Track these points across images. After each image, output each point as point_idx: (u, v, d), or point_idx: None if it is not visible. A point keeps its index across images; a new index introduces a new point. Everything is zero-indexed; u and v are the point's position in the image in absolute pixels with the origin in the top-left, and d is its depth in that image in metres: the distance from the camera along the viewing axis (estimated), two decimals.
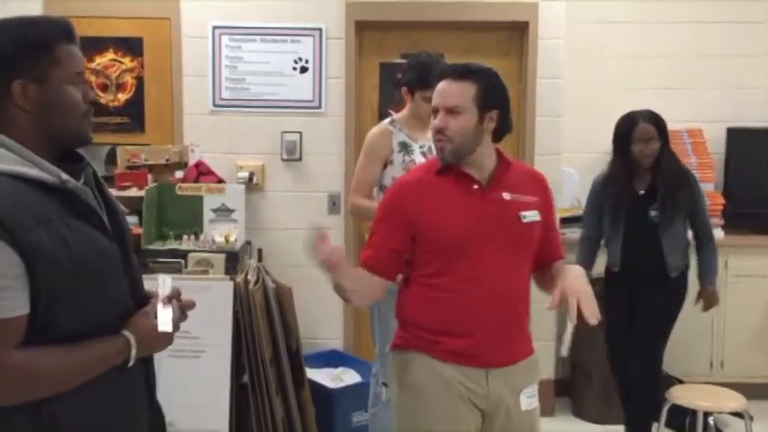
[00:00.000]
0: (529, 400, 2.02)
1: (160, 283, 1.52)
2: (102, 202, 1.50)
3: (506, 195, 1.99)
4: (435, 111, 2.01)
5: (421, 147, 3.11)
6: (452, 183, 2.00)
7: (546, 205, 2.07)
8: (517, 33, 4.10)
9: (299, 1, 4.00)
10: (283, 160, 4.03)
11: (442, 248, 1.98)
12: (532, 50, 4.00)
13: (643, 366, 3.36)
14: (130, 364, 1.43)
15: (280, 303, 3.19)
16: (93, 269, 1.38)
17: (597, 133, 4.34)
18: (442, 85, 2.00)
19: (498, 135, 2.03)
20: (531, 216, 1.99)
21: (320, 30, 3.99)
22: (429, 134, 3.14)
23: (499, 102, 2.00)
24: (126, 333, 1.43)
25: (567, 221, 4.26)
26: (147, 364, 1.57)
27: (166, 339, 1.51)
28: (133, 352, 1.43)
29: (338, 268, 1.87)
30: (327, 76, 4.01)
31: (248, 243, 3.81)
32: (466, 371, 1.96)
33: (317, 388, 3.49)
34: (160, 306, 1.48)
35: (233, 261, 3.31)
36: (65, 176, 1.37)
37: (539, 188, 2.08)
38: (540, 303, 4.02)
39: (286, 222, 4.00)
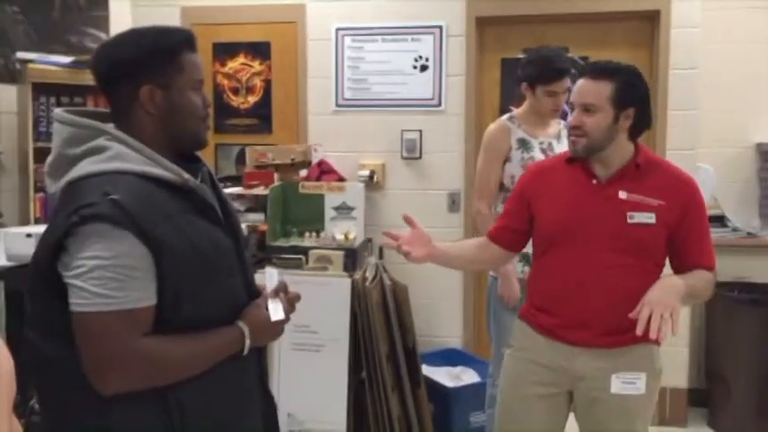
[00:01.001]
0: (623, 384, 2.05)
1: (267, 277, 1.60)
2: (217, 200, 1.58)
3: (623, 194, 2.03)
4: (572, 108, 2.08)
5: (540, 143, 3.04)
6: (575, 174, 2.10)
7: (683, 212, 2.03)
8: (647, 23, 3.89)
9: (419, 0, 4.00)
10: (403, 158, 4.05)
11: (543, 232, 2.14)
12: (664, 41, 3.78)
13: None
14: (245, 352, 1.52)
15: (396, 301, 3.21)
16: (213, 263, 1.47)
17: (736, 127, 4.07)
18: (580, 82, 2.07)
19: (636, 132, 2.08)
20: (642, 217, 2.00)
21: (440, 27, 3.98)
22: (549, 130, 3.10)
23: (637, 100, 2.03)
24: (240, 324, 1.51)
25: None
26: (259, 355, 1.65)
27: (277, 331, 1.59)
28: (247, 342, 1.51)
29: (423, 259, 2.10)
30: (447, 73, 3.99)
31: (369, 240, 3.86)
32: (554, 344, 2.11)
33: (435, 386, 3.48)
34: (270, 298, 1.56)
35: (352, 258, 3.36)
36: (186, 175, 1.46)
37: (676, 194, 2.04)
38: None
39: None
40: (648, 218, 2.00)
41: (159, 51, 1.47)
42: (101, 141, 1.43)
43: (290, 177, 3.93)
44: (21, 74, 3.75)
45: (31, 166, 3.65)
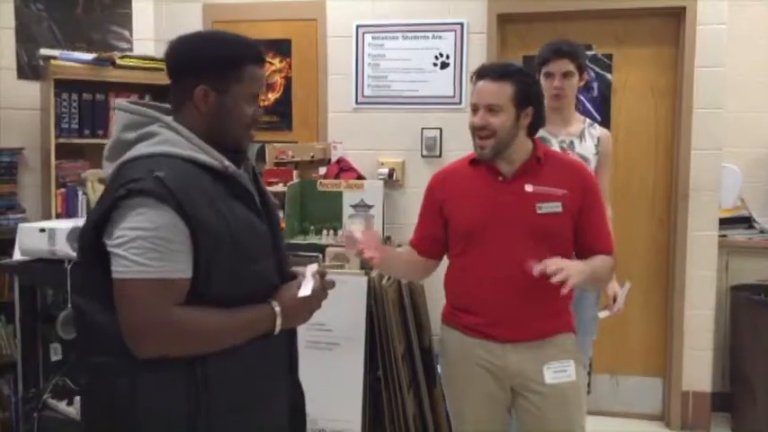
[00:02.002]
0: (555, 374, 2.12)
1: (308, 270, 1.68)
2: (256, 191, 1.68)
3: (528, 187, 2.12)
4: (475, 109, 2.14)
5: (561, 141, 2.99)
6: (480, 174, 2.18)
7: (582, 197, 2.14)
8: (673, 20, 3.82)
9: None
10: (423, 157, 4.03)
11: (458, 233, 2.19)
12: (690, 38, 3.72)
13: None
14: (276, 331, 1.58)
15: (412, 300, 3.19)
16: (247, 245, 1.55)
17: (763, 126, 3.99)
18: (480, 84, 2.13)
19: (533, 130, 2.18)
20: (550, 207, 2.09)
21: (462, 24, 3.94)
22: (571, 129, 3.05)
23: (534, 99, 2.13)
24: (273, 303, 1.58)
25: (728, 222, 3.93)
26: (291, 341, 1.72)
27: (307, 311, 1.66)
28: (278, 321, 1.57)
29: (375, 260, 2.11)
30: (469, 71, 3.94)
31: (388, 239, 3.84)
32: (484, 343, 2.15)
33: None
34: (305, 278, 1.64)
35: None
36: (227, 163, 1.56)
37: (575, 182, 2.15)
38: (694, 311, 3.77)
39: None
40: (555, 207, 2.10)
41: (223, 59, 1.57)
42: (153, 128, 1.55)
43: (310, 175, 3.93)
44: (44, 70, 3.79)
45: (53, 161, 3.68)
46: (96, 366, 1.53)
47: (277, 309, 1.57)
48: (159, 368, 1.46)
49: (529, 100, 2.12)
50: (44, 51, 3.76)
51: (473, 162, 2.23)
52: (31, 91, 3.90)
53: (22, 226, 2.61)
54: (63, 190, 3.75)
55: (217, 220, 1.48)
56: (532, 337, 2.13)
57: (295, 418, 1.77)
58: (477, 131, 2.13)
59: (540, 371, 2.12)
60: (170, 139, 1.53)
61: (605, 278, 2.23)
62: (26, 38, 3.92)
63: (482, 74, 2.14)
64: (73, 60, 3.72)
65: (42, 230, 2.46)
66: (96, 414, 1.57)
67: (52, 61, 3.67)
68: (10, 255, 3.55)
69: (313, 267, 1.68)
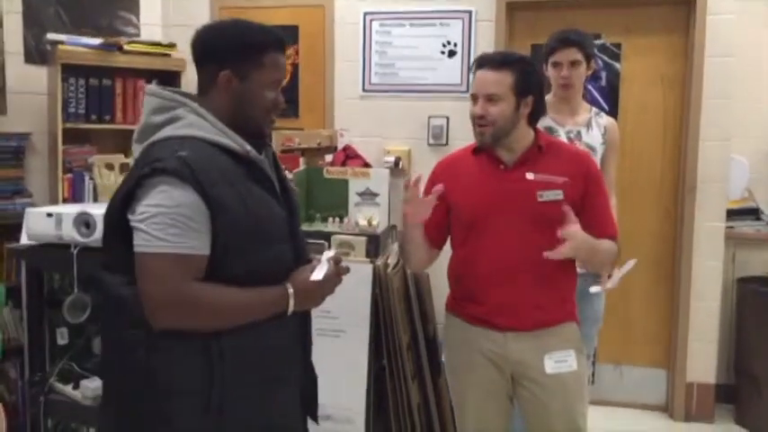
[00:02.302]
0: (557, 364, 2.13)
1: (324, 253, 1.73)
2: (276, 177, 1.73)
3: (529, 175, 2.11)
4: (475, 98, 2.14)
5: (568, 132, 2.97)
6: (482, 162, 2.19)
7: (584, 185, 2.14)
8: (683, 9, 3.79)
9: None
10: (429, 145, 4.02)
11: (461, 221, 2.19)
12: (700, 27, 3.69)
13: None
14: (289, 312, 1.62)
15: (418, 289, 3.19)
16: (264, 227, 1.60)
17: None
18: (480, 73, 2.12)
19: (534, 118, 2.17)
20: (551, 195, 2.09)
21: (470, 12, 3.92)
22: (578, 119, 3.03)
23: (534, 88, 2.13)
24: (287, 285, 1.62)
25: (735, 214, 3.92)
26: (305, 324, 1.77)
27: (320, 295, 1.69)
28: (291, 302, 1.61)
29: (415, 220, 2.13)
30: None
31: (393, 227, 3.83)
32: (486, 332, 2.16)
33: None
34: (319, 263, 1.68)
35: (375, 244, 3.33)
36: (248, 147, 1.62)
37: (577, 170, 2.15)
38: (700, 302, 3.76)
39: None
40: (557, 195, 2.09)
41: (245, 45, 1.62)
42: (180, 112, 1.61)
43: (316, 162, 3.92)
44: (51, 55, 3.79)
45: (60, 146, 3.68)
46: (117, 340, 1.60)
47: (290, 291, 1.61)
48: (176, 341, 1.52)
49: (529, 89, 2.12)
50: (51, 36, 3.75)
51: (476, 151, 2.24)
52: (39, 76, 3.89)
53: (30, 210, 2.61)
54: (70, 175, 3.75)
55: (236, 202, 1.53)
56: (534, 327, 2.13)
57: (307, 400, 1.82)
58: (477, 120, 2.13)
59: (540, 360, 2.13)
60: (195, 123, 1.59)
61: (606, 260, 2.21)
62: (33, 22, 3.91)
63: (482, 63, 2.14)
64: (80, 45, 3.72)
65: (49, 215, 2.46)
66: (115, 384, 1.64)
67: (59, 46, 3.66)
68: (17, 239, 3.57)
69: (329, 253, 1.72)
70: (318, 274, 1.65)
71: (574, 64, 2.88)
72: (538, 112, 2.17)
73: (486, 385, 2.19)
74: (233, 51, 1.62)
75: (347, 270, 1.76)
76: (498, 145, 2.15)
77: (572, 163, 2.17)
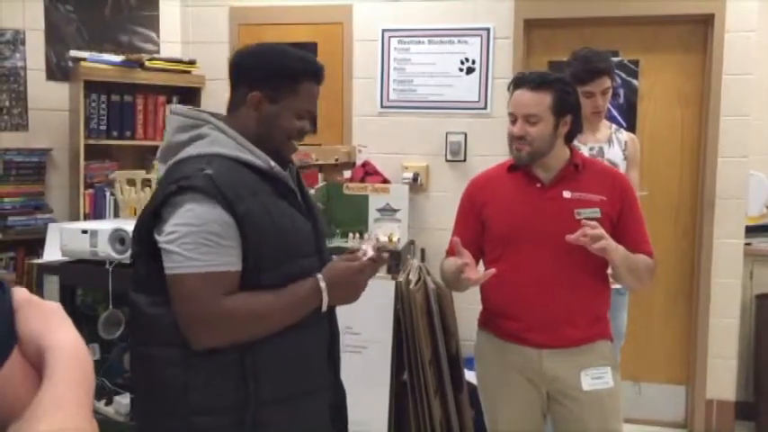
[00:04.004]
0: (593, 381, 2.12)
1: (366, 241, 1.69)
2: (300, 193, 1.74)
3: (566, 194, 2.13)
4: (513, 118, 2.16)
5: (590, 149, 2.99)
6: (518, 180, 2.20)
7: (620, 203, 2.15)
8: (701, 27, 3.81)
9: (467, 2, 3.98)
10: (448, 161, 4.03)
11: (497, 238, 2.19)
12: (718, 45, 3.70)
13: None
14: (324, 305, 1.60)
15: (440, 304, 3.19)
16: (291, 241, 1.61)
17: None
18: (518, 93, 2.14)
19: (571, 136, 2.19)
20: (588, 213, 2.09)
21: (488, 29, 3.95)
22: (599, 135, 3.05)
23: (572, 107, 2.15)
24: (317, 276, 1.61)
25: (754, 230, 3.92)
26: (333, 340, 1.77)
27: (353, 284, 1.65)
28: (324, 295, 1.59)
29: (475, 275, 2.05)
30: (494, 76, 3.96)
31: (412, 243, 3.85)
32: (521, 349, 2.15)
33: (477, 392, 3.44)
34: (365, 243, 1.70)
35: (395, 260, 3.35)
36: (272, 163, 1.63)
37: (613, 188, 2.16)
38: (719, 319, 3.75)
39: (449, 223, 3.93)
40: (594, 213, 2.10)
41: (282, 70, 1.64)
42: (204, 130, 1.63)
43: (334, 178, 3.94)
44: (73, 71, 3.82)
45: (82, 162, 3.71)
46: (149, 358, 1.59)
47: (322, 284, 1.59)
48: (210, 359, 1.51)
49: (567, 109, 2.13)
50: (74, 53, 3.79)
51: (511, 168, 2.24)
52: (60, 92, 3.94)
53: (64, 227, 2.64)
54: (91, 191, 3.78)
55: (263, 216, 1.54)
56: (570, 344, 2.13)
57: (337, 417, 1.82)
58: (515, 141, 2.14)
59: (577, 377, 2.12)
60: (218, 140, 1.60)
61: (642, 275, 2.17)
62: (55, 39, 3.96)
63: (520, 83, 2.15)
64: (102, 62, 3.76)
65: (84, 231, 2.49)
66: (148, 404, 1.63)
67: (82, 63, 3.71)
68: (38, 254, 3.59)
69: (372, 240, 1.70)
70: (368, 253, 1.64)
71: (605, 92, 2.90)
72: (575, 130, 2.19)
73: (521, 402, 2.19)
74: (268, 75, 1.64)
75: (384, 260, 1.75)
76: (535, 163, 2.16)
77: (608, 181, 2.18)
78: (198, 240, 1.48)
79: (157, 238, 1.52)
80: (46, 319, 0.68)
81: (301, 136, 1.70)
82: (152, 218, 1.54)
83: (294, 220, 1.63)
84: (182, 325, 1.50)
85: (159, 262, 1.52)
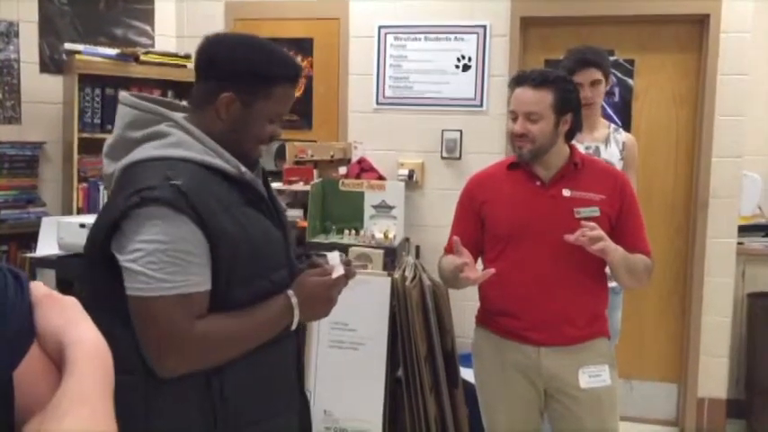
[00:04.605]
0: (591, 378, 2.13)
1: (329, 259, 1.63)
2: (268, 195, 1.60)
3: (566, 192, 2.14)
4: (514, 116, 2.16)
5: (587, 148, 2.98)
6: (518, 178, 2.20)
7: (620, 202, 2.16)
8: (696, 27, 3.83)
9: None
10: (443, 158, 4.03)
11: (496, 236, 2.19)
12: (713, 45, 3.72)
13: None
14: (294, 322, 1.51)
15: (435, 301, 3.20)
16: (264, 255, 1.48)
17: None
18: (519, 91, 2.15)
19: (571, 135, 2.20)
20: (588, 212, 2.10)
21: (485, 27, 3.95)
22: (596, 134, 3.05)
23: (573, 106, 2.15)
24: (288, 292, 1.51)
25: (747, 230, 3.94)
26: (298, 354, 1.66)
27: (325, 299, 1.56)
28: (295, 311, 1.49)
29: (474, 274, 2.05)
30: (490, 74, 3.96)
31: (407, 240, 3.85)
32: (519, 346, 2.16)
33: (472, 389, 3.44)
34: (334, 264, 1.59)
35: (391, 257, 3.36)
36: (243, 169, 1.48)
37: (613, 188, 2.17)
38: (711, 317, 3.77)
39: (444, 220, 3.94)
40: (593, 211, 2.11)
41: (257, 74, 1.49)
42: (162, 127, 1.45)
43: (330, 174, 3.94)
44: (67, 65, 3.80)
45: (76, 156, 3.69)
46: None
47: (293, 299, 1.50)
48: (175, 383, 1.39)
49: (568, 106, 2.14)
50: (68, 46, 3.76)
51: (511, 166, 2.25)
52: (54, 85, 3.91)
53: (61, 220, 2.62)
54: (84, 185, 3.76)
55: (236, 230, 1.41)
56: (568, 342, 2.14)
57: (304, 427, 1.72)
58: (516, 138, 2.14)
59: (575, 375, 2.14)
60: (183, 141, 1.44)
61: (640, 274, 2.17)
62: (49, 32, 3.92)
63: (521, 81, 2.16)
64: (97, 55, 3.73)
65: (82, 225, 2.47)
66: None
67: (76, 56, 3.68)
68: (29, 248, 3.56)
69: (337, 255, 1.63)
70: (338, 270, 1.56)
71: (594, 83, 2.91)
72: (575, 129, 2.20)
73: (518, 399, 2.20)
74: (243, 74, 1.48)
75: (354, 274, 1.66)
76: (535, 161, 2.17)
77: (608, 180, 2.19)
78: (165, 259, 1.33)
79: (118, 255, 1.36)
80: (65, 315, 0.68)
81: (272, 141, 1.57)
82: (110, 229, 1.37)
83: (267, 231, 1.51)
84: (147, 351, 1.35)
85: (117, 278, 1.36)
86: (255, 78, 1.48)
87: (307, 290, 1.52)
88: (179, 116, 1.48)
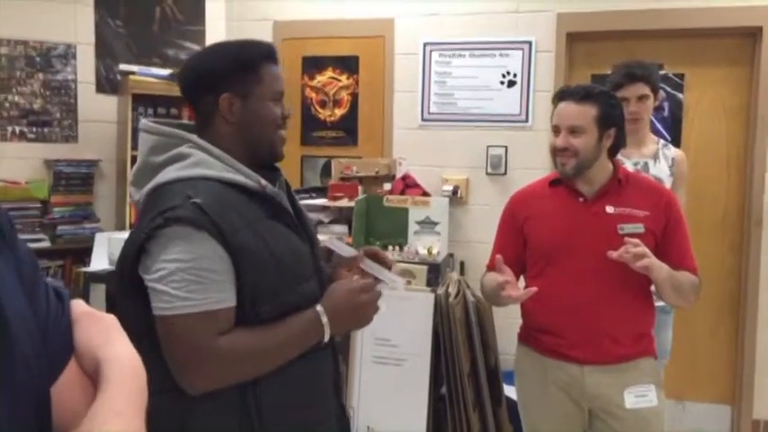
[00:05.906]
0: (636, 399, 2.09)
1: (336, 247, 1.64)
2: (292, 208, 1.60)
3: (609, 209, 2.11)
4: (557, 130, 2.15)
5: (635, 164, 2.94)
6: (561, 194, 2.19)
7: (665, 219, 2.12)
8: (748, 40, 3.75)
9: (509, 15, 3.98)
10: (488, 174, 4.02)
11: (539, 253, 2.18)
12: (765, 58, 3.63)
13: None
14: (326, 337, 1.49)
15: (479, 318, 3.18)
16: (290, 266, 1.48)
17: None
18: (562, 106, 2.14)
19: (615, 150, 2.18)
20: (632, 228, 2.06)
21: (530, 43, 3.94)
22: (644, 150, 3.01)
23: (616, 121, 2.14)
24: (316, 307, 1.49)
25: None
26: (335, 364, 1.65)
27: (354, 306, 1.53)
28: (325, 321, 1.47)
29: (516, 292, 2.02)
30: (535, 89, 3.94)
31: (451, 256, 3.84)
32: (563, 365, 2.13)
33: (516, 407, 3.41)
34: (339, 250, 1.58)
35: (435, 273, 3.36)
36: (263, 182, 1.50)
37: (658, 204, 2.13)
38: (765, 337, 3.64)
39: (489, 236, 3.92)
40: (637, 228, 2.07)
41: (239, 63, 1.52)
42: (183, 149, 1.48)
43: (374, 190, 3.96)
44: (122, 85, 3.92)
45: (129, 174, 3.79)
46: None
47: (321, 311, 1.48)
48: (210, 402, 1.40)
49: (612, 121, 2.12)
50: (123, 67, 3.89)
51: (553, 183, 2.23)
52: (109, 105, 4.04)
53: (111, 236, 2.70)
54: None
55: (259, 245, 1.42)
56: (613, 361, 2.10)
57: None
58: (559, 152, 2.13)
59: (620, 394, 2.10)
60: (203, 161, 1.47)
61: (687, 292, 2.12)
62: (105, 53, 4.07)
63: (564, 95, 2.16)
64: (150, 76, 3.85)
65: None
66: None
67: (130, 76, 3.80)
68: (84, 263, 3.68)
69: (341, 244, 1.63)
70: (344, 250, 1.57)
71: (641, 98, 2.87)
72: (618, 144, 2.18)
73: (561, 418, 2.17)
74: (228, 71, 1.51)
75: (388, 265, 1.66)
76: (578, 177, 2.15)
77: (652, 196, 2.16)
78: (187, 278, 1.35)
79: (144, 276, 1.38)
80: (104, 332, 0.71)
81: (285, 121, 1.59)
82: (137, 252, 1.39)
83: (292, 243, 1.51)
84: (174, 370, 1.37)
85: (146, 302, 1.38)
86: (240, 68, 1.51)
87: (332, 300, 1.51)
88: (198, 138, 1.51)
